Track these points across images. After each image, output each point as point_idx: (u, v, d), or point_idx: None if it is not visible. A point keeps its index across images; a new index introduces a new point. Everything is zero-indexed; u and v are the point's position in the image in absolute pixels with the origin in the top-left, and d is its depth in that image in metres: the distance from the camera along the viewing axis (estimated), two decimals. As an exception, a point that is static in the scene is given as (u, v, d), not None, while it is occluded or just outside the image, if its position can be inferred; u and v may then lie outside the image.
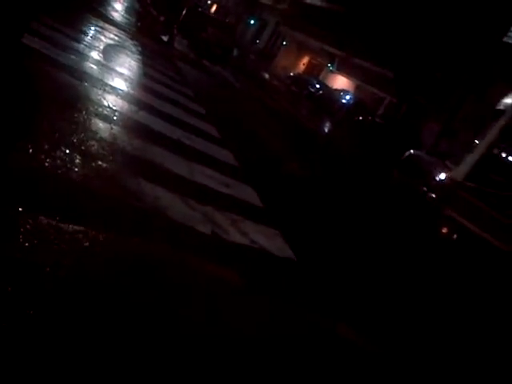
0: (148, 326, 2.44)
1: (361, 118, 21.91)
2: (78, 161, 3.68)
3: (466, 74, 22.73)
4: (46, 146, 3.59)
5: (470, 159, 15.32)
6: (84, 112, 4.79)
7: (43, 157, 3.41)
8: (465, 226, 11.50)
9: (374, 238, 6.80)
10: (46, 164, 3.35)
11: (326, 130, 20.14)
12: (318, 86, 31.35)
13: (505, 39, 23.43)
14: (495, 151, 16.72)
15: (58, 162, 3.47)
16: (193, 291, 3.02)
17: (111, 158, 4.08)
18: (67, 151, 3.71)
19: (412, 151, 18.90)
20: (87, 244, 2.76)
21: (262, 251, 4.08)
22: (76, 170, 3.53)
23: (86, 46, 8.06)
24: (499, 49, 22.55)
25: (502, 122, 15.91)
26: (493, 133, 15.86)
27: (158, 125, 5.86)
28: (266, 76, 27.08)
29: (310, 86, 31.46)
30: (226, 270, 3.51)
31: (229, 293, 3.25)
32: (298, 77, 33.73)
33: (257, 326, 3.04)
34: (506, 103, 18.40)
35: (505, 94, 21.82)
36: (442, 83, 24.54)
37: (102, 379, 2.00)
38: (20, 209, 2.70)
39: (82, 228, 2.87)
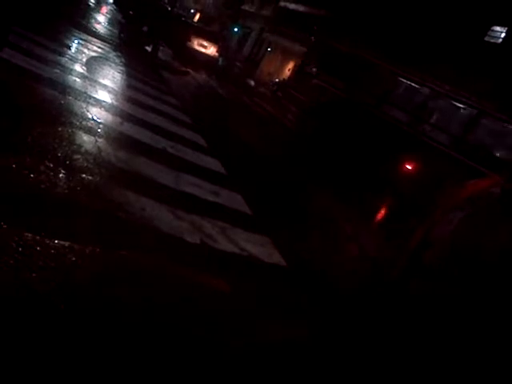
0: (138, 332, 2.42)
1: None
2: (62, 175, 3.65)
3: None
4: (30, 161, 3.56)
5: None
6: (68, 125, 4.76)
7: (27, 172, 3.38)
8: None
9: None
10: (30, 179, 3.32)
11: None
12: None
13: (486, 38, 23.69)
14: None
15: (42, 176, 3.44)
16: (181, 301, 3.01)
17: (96, 170, 4.05)
18: (51, 165, 3.68)
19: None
20: (73, 259, 2.74)
21: (251, 258, 4.07)
22: (61, 184, 3.50)
23: (68, 59, 8.02)
24: (480, 48, 22.78)
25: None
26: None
27: (143, 135, 5.84)
28: (252, 83, 27.07)
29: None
30: (214, 278, 3.49)
31: (215, 300, 3.24)
32: (282, 83, 33.79)
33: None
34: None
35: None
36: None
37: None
38: (4, 225, 2.66)
39: (67, 243, 2.85)
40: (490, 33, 17.31)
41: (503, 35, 14.76)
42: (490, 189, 1.06)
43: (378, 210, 8.88)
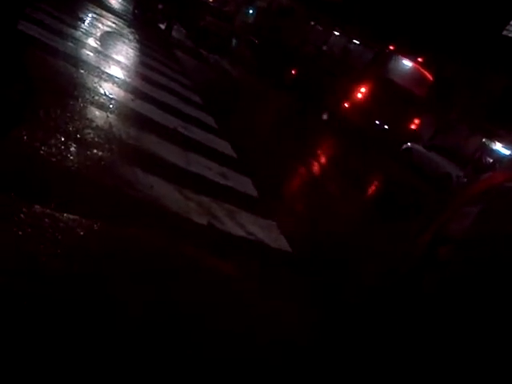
0: (146, 316, 2.43)
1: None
2: (73, 149, 3.64)
3: (464, 67, 22.70)
4: (41, 134, 3.55)
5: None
6: (80, 100, 4.74)
7: (38, 144, 3.37)
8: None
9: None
10: (41, 152, 3.31)
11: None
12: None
13: (504, 33, 23.37)
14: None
15: (53, 149, 3.43)
16: (189, 281, 3.01)
17: (107, 146, 4.04)
18: (62, 139, 3.67)
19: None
20: (82, 233, 2.74)
21: (257, 242, 4.07)
22: (71, 158, 3.50)
23: (83, 33, 7.98)
24: (498, 42, 22.51)
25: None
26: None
27: (155, 114, 5.82)
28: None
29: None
30: (222, 260, 3.49)
31: (224, 282, 3.24)
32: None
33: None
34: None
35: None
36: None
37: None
38: (14, 196, 2.66)
39: (76, 217, 2.84)
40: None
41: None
42: (505, 183, 1.03)
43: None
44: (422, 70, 15.90)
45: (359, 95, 14.96)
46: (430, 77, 16.08)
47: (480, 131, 23.74)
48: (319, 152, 10.85)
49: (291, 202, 5.96)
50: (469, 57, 22.32)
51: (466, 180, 13.94)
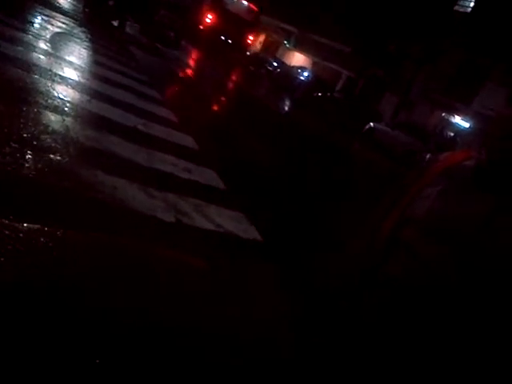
0: (116, 315, 2.39)
1: (320, 94, 21.94)
2: (29, 156, 3.54)
3: (418, 44, 23.06)
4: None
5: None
6: (34, 105, 4.61)
7: (-8, 154, 3.27)
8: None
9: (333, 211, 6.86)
10: (-4, 162, 3.22)
11: (286, 108, 20.13)
12: (275, 64, 31.24)
13: (455, 8, 23.79)
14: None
15: (8, 158, 3.33)
16: (159, 279, 2.98)
17: (65, 150, 3.95)
18: (18, 146, 3.57)
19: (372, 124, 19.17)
20: (44, 242, 2.67)
21: (227, 235, 4.06)
22: (28, 165, 3.40)
23: (32, 35, 7.75)
24: (450, 18, 22.90)
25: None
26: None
27: (112, 113, 5.71)
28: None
29: (267, 65, 31.34)
30: (191, 256, 3.47)
31: (195, 278, 3.22)
32: (254, 56, 33.49)
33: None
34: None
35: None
36: (396, 56, 24.90)
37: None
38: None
39: (38, 226, 2.78)
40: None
41: None
42: (464, 162, 1.04)
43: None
44: (250, 4, 26.38)
45: (208, 20, 25.02)
46: (255, 8, 26.63)
47: (439, 106, 24.23)
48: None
49: (259, 191, 5.94)
50: (423, 33, 22.67)
51: (428, 156, 14.20)
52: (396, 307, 1.02)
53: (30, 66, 5.89)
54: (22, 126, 4.00)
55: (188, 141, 6.29)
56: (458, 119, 23.84)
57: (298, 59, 35.79)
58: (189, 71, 14.97)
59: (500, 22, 19.55)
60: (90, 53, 9.34)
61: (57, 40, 8.60)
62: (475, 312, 0.92)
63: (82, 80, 6.61)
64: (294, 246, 4.69)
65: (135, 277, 2.87)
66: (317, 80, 24.59)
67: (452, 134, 20.85)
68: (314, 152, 11.33)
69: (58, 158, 3.76)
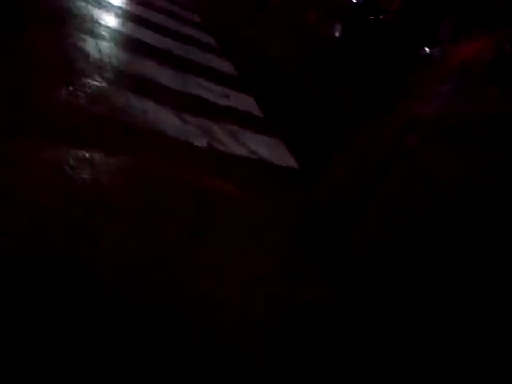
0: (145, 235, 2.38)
1: (372, 17, 20.69)
2: (61, 79, 3.49)
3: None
4: (29, 65, 3.39)
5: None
6: (67, 27, 4.51)
7: (27, 77, 3.22)
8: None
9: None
10: (29, 83, 3.17)
11: (337, 34, 19.19)
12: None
13: None
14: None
15: (41, 81, 3.29)
16: (188, 204, 2.94)
17: (98, 74, 3.87)
18: (51, 70, 3.52)
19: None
20: (73, 164, 2.65)
21: (262, 161, 3.96)
22: (60, 88, 3.35)
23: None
24: None
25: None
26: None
27: (149, 37, 5.54)
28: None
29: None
30: (225, 182, 3.40)
31: (227, 205, 3.17)
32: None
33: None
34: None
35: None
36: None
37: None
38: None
39: (66, 148, 2.75)
40: None
41: None
42: (484, 53, 0.88)
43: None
44: None
45: None
46: None
47: None
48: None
49: (299, 120, 5.74)
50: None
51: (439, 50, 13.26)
52: (393, 225, 0.91)
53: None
54: (56, 49, 3.92)
55: (228, 66, 6.09)
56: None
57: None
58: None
59: None
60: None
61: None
62: (478, 229, 0.80)
63: (117, 3, 6.41)
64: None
65: (164, 198, 2.84)
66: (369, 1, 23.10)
67: None
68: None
69: (91, 81, 3.69)
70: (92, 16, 5.18)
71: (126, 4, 6.57)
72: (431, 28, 20.48)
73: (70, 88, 3.43)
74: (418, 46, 17.45)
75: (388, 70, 14.36)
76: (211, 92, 4.87)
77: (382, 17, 20.78)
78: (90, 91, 3.53)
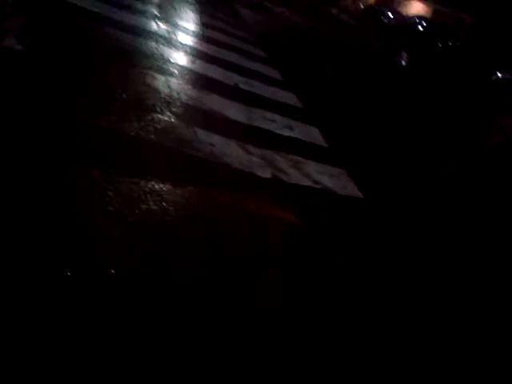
0: (206, 268, 2.46)
1: (440, 44, 20.32)
2: (132, 114, 3.70)
3: None
4: (102, 100, 3.64)
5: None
6: (138, 66, 4.79)
7: (101, 111, 3.45)
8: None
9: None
10: (103, 118, 3.40)
11: (404, 63, 19.00)
12: (390, 15, 29.52)
13: None
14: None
15: (113, 117, 3.51)
16: (253, 234, 3.00)
17: (167, 109, 4.07)
18: (122, 105, 3.74)
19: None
20: (142, 195, 2.79)
21: (324, 191, 3.97)
22: (131, 123, 3.56)
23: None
24: None
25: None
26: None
27: (215, 72, 5.77)
28: (334, 11, 25.80)
29: (382, 17, 29.71)
30: (286, 212, 3.45)
31: (288, 234, 3.21)
32: (368, 8, 31.91)
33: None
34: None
35: None
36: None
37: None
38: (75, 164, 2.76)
39: (136, 179, 2.91)
40: None
41: None
42: None
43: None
44: None
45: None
46: None
47: None
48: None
49: (364, 149, 5.71)
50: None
51: None
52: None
53: (134, 29, 6.10)
54: (127, 85, 4.18)
55: (292, 98, 6.21)
56: None
57: (416, 8, 33.55)
58: (297, 28, 14.65)
59: None
60: (195, 14, 9.47)
61: (163, 3, 8.82)
62: None
63: (186, 41, 6.73)
64: (397, 204, 4.48)
65: (227, 228, 2.92)
66: (437, 28, 22.72)
67: None
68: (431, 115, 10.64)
69: (160, 116, 3.89)
70: (162, 55, 5.47)
71: (195, 42, 6.89)
72: (500, 54, 19.77)
73: (142, 123, 3.63)
74: (490, 71, 16.90)
75: (462, 92, 14.00)
76: (276, 123, 4.97)
77: (450, 43, 20.36)
78: (159, 126, 3.72)
